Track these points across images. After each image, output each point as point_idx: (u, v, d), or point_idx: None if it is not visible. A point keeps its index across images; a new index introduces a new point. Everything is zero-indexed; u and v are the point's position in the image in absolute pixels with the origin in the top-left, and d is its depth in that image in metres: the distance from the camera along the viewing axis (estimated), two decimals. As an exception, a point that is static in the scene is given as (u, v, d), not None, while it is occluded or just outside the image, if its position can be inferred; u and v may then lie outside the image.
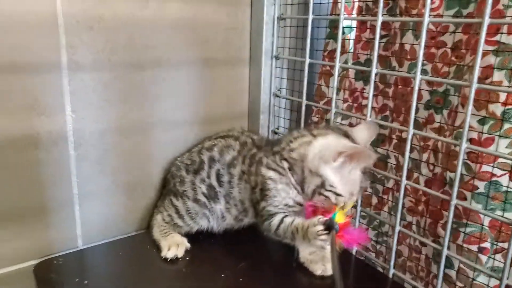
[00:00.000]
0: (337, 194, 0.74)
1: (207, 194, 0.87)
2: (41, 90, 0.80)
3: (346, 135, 0.78)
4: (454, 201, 0.68)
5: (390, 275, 0.81)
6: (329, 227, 0.69)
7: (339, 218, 0.72)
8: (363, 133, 0.80)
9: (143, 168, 0.95)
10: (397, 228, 0.78)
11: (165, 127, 0.95)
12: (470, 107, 0.64)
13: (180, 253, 0.84)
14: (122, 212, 0.95)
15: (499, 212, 0.77)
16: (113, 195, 0.92)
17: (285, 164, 0.79)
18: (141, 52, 0.89)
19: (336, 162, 0.73)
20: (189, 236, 0.89)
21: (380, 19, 0.75)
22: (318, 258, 0.80)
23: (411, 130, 0.73)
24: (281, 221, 0.79)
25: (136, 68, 0.89)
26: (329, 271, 0.78)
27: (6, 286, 0.83)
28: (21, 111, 0.78)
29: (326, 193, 0.74)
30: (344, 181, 0.74)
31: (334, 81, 0.85)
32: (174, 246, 0.84)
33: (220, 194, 0.87)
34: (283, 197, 0.79)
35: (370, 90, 0.79)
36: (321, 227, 0.70)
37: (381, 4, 0.74)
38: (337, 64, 0.83)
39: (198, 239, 0.89)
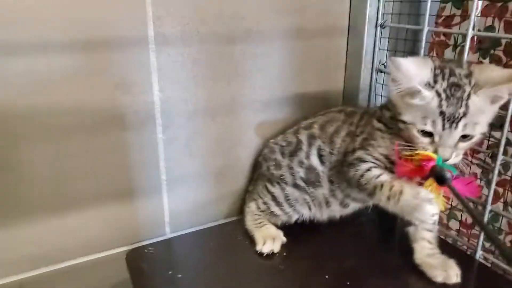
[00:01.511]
0: (403, 122, 0.63)
1: (306, 179, 0.79)
2: (127, 67, 0.73)
3: (452, 62, 0.64)
4: None
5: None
6: (440, 177, 0.57)
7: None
8: (498, 72, 0.61)
9: (232, 152, 0.88)
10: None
11: (254, 107, 0.87)
12: None
13: (276, 247, 0.76)
14: (210, 199, 0.89)
15: None
16: (201, 181, 0.87)
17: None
18: (231, 23, 0.79)
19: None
20: (285, 227, 0.81)
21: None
22: (438, 263, 0.69)
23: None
24: (369, 169, 0.68)
25: (226, 41, 0.80)
26: (452, 278, 0.67)
27: (95, 272, 0.81)
28: (107, 90, 0.73)
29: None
30: (411, 106, 0.62)
31: (465, 52, 0.70)
32: (269, 240, 0.77)
33: (322, 176, 0.78)
34: (384, 148, 0.68)
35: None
36: (433, 209, 0.58)
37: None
38: (470, 31, 0.68)
39: (296, 231, 0.81)
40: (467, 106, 0.58)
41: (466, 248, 0.83)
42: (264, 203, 0.82)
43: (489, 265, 0.77)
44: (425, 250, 0.72)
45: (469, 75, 0.60)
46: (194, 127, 0.82)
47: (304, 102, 0.91)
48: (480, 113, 0.59)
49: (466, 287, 0.69)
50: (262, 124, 0.89)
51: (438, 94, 0.59)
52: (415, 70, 0.60)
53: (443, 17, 0.88)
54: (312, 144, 0.79)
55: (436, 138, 0.60)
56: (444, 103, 0.58)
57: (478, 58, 0.87)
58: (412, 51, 0.89)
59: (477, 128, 0.60)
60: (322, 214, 0.82)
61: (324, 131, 0.79)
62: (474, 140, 0.61)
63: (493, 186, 0.72)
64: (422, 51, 0.77)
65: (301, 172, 0.79)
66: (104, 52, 0.71)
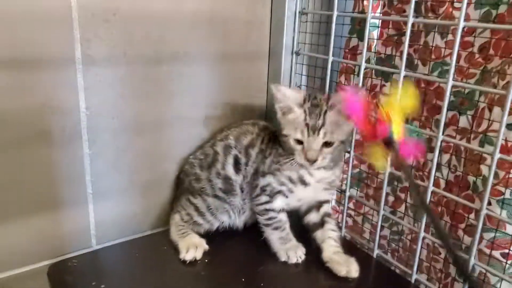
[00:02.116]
0: (284, 136, 0.79)
1: (224, 189, 0.87)
2: (54, 86, 0.76)
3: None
4: (484, 211, 0.67)
5: (413, 280, 0.80)
6: (388, 142, 0.62)
7: (396, 129, 0.62)
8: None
9: (158, 166, 0.93)
10: (421, 234, 0.77)
11: (181, 124, 0.93)
12: (505, 117, 0.62)
13: (198, 255, 0.82)
14: (137, 211, 0.93)
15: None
16: (128, 194, 0.90)
17: None
18: (158, 46, 0.85)
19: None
20: (208, 235, 0.88)
21: (410, 20, 0.72)
22: (342, 260, 0.80)
23: (440, 136, 0.71)
24: (270, 201, 0.84)
25: (153, 63, 0.86)
26: (353, 273, 0.78)
27: (18, 287, 0.81)
28: (34, 107, 0.75)
29: None
30: (288, 122, 0.79)
31: (360, 81, 0.82)
32: (192, 248, 0.83)
33: (235, 185, 0.87)
34: (288, 171, 0.83)
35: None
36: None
37: (412, 5, 0.71)
38: (363, 64, 0.80)
39: (217, 239, 0.88)
40: (324, 119, 0.75)
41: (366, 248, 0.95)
42: (187, 214, 0.88)
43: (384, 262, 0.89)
44: (331, 248, 0.83)
45: (327, 98, 0.78)
46: (121, 143, 0.86)
47: (230, 119, 0.99)
48: (336, 125, 0.76)
49: (364, 280, 0.80)
50: (189, 140, 0.95)
51: (304, 111, 0.76)
52: (290, 93, 0.79)
53: (349, 48, 1.01)
54: (227, 154, 0.87)
55: (305, 144, 0.77)
56: (307, 117, 0.76)
57: (381, 81, 1.00)
58: (323, 77, 1.00)
59: (335, 136, 0.76)
60: (239, 221, 0.90)
61: (239, 142, 0.87)
62: (335, 146, 0.77)
63: (383, 195, 0.84)
64: (328, 78, 0.88)
65: (219, 183, 0.87)
66: (32, 70, 0.74)
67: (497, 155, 0.64)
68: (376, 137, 0.63)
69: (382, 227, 1.05)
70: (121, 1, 0.79)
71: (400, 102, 0.64)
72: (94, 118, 0.82)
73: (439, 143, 0.72)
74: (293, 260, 0.83)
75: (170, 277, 0.79)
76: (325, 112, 0.76)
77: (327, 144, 0.76)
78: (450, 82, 0.68)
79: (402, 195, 1.01)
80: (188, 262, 0.81)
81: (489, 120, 0.79)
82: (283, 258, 0.83)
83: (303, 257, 0.84)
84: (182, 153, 0.95)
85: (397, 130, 0.62)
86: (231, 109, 0.99)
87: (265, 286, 0.77)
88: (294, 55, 0.97)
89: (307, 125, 0.76)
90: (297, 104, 0.77)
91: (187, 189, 0.90)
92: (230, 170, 0.87)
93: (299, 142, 0.77)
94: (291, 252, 0.83)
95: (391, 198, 1.04)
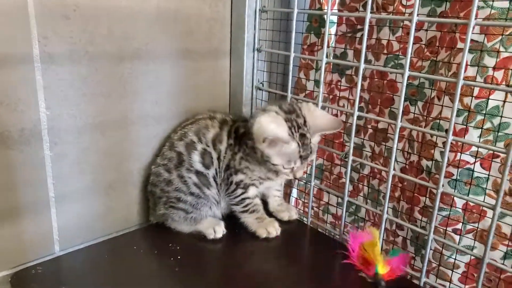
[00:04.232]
0: (273, 164, 0.83)
1: (199, 183, 0.87)
2: (12, 85, 0.73)
3: (291, 111, 0.83)
4: (441, 189, 0.73)
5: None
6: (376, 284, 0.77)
7: (381, 268, 0.78)
8: (323, 120, 0.84)
9: (123, 166, 0.91)
10: (385, 216, 0.83)
11: (145, 123, 0.92)
12: (456, 103, 0.69)
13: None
14: (102, 213, 0.90)
15: (471, 196, 0.84)
16: (92, 195, 0.88)
17: None
18: (121, 43, 0.84)
19: (264, 143, 0.80)
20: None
21: (368, 16, 0.77)
22: (284, 208, 0.99)
23: (399, 123, 0.77)
24: (245, 192, 0.91)
25: (116, 60, 0.84)
26: (294, 216, 0.98)
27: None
28: (-11, 108, 0.71)
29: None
30: (279, 154, 0.82)
31: (321, 75, 0.86)
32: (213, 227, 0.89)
33: (210, 177, 0.88)
34: (258, 169, 0.89)
35: (358, 85, 0.81)
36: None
37: (369, 2, 0.76)
38: (324, 59, 0.84)
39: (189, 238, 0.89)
40: (311, 147, 0.83)
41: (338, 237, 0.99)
42: (180, 216, 0.90)
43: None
44: (276, 202, 1.01)
45: (305, 122, 0.82)
46: (84, 143, 0.83)
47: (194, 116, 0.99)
48: (315, 146, 0.85)
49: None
50: (154, 137, 0.94)
51: (298, 145, 0.81)
52: (278, 130, 0.79)
53: (307, 45, 1.05)
54: (192, 151, 0.87)
55: (295, 169, 0.84)
56: (301, 149, 0.81)
57: (339, 77, 1.05)
58: (284, 72, 1.04)
59: (314, 155, 0.87)
60: (218, 213, 0.93)
61: (204, 137, 0.88)
62: (313, 157, 0.88)
63: (347, 182, 0.89)
64: (290, 73, 0.92)
65: (193, 178, 0.87)
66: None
67: (450, 138, 0.70)
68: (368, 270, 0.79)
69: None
70: (81, -3, 0.77)
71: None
72: (55, 118, 0.79)
73: (397, 130, 0.77)
74: (273, 234, 0.90)
75: (143, 277, 0.78)
76: (310, 140, 0.82)
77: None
78: (407, 73, 0.73)
79: (360, 185, 1.07)
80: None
81: (442, 106, 0.85)
82: (263, 235, 0.89)
83: (279, 229, 0.91)
84: (147, 151, 0.94)
85: (381, 266, 0.78)
86: (195, 106, 0.99)
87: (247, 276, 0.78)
88: (255, 52, 0.99)
89: (301, 156, 0.82)
90: (288, 138, 0.80)
91: (161, 197, 0.90)
92: (198, 166, 0.87)
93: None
94: (270, 227, 0.90)
95: (350, 187, 1.10)
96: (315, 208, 1.17)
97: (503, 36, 0.76)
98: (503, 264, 0.82)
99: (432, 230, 0.75)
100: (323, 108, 0.96)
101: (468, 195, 0.83)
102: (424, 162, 0.90)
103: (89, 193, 0.87)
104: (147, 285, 0.76)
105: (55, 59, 0.76)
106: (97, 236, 0.90)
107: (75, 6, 0.76)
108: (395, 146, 0.78)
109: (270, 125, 0.80)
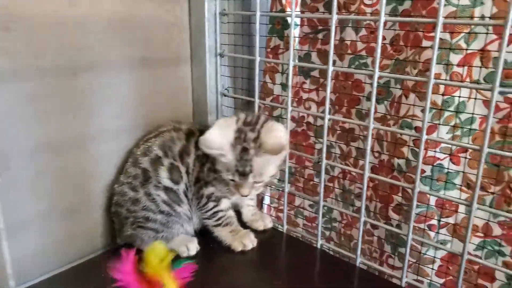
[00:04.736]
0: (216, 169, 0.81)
1: (168, 200, 0.82)
2: None
3: (250, 124, 0.80)
4: (418, 189, 0.73)
5: (358, 264, 0.84)
6: None
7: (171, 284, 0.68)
8: (269, 142, 0.77)
9: (84, 186, 0.84)
10: (362, 218, 0.82)
11: (105, 138, 0.85)
12: (429, 101, 0.68)
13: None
14: (63, 239, 0.82)
15: (442, 192, 0.85)
16: (50, 222, 0.80)
17: None
18: (74, 56, 0.77)
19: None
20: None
21: (334, 17, 0.75)
22: (259, 218, 0.95)
23: (372, 125, 0.76)
24: (216, 205, 0.87)
25: (70, 74, 0.77)
26: (269, 225, 0.95)
27: None
28: None
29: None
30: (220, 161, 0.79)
31: (289, 79, 0.84)
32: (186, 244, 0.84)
33: (180, 193, 0.84)
34: (225, 173, 0.82)
35: (328, 88, 0.79)
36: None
37: (335, 3, 0.75)
38: (291, 62, 0.82)
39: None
40: (251, 166, 0.77)
41: (309, 241, 0.98)
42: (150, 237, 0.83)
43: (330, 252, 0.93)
44: (250, 212, 0.97)
45: (256, 138, 0.78)
46: (37, 166, 0.76)
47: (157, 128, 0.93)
48: (264, 166, 0.79)
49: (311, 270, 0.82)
50: (116, 153, 0.87)
51: (235, 158, 0.77)
52: (220, 141, 0.77)
53: (270, 48, 1.02)
54: (158, 167, 0.82)
55: (238, 183, 0.79)
56: (238, 163, 0.77)
57: (304, 78, 1.04)
58: (249, 77, 1.00)
59: (264, 176, 0.80)
60: (190, 229, 0.88)
61: (171, 150, 0.83)
62: (266, 181, 0.82)
63: (322, 185, 0.88)
64: (256, 78, 0.89)
65: (161, 195, 0.82)
66: None
67: (425, 137, 0.70)
68: None
69: (315, 217, 1.10)
70: (23, 7, 0.69)
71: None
72: (4, 142, 0.71)
73: (370, 132, 0.76)
74: (249, 246, 0.86)
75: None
76: (252, 158, 0.77)
77: (258, 181, 0.80)
78: (377, 73, 0.73)
79: (331, 184, 1.06)
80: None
81: (413, 105, 0.86)
82: (239, 247, 0.85)
83: (256, 241, 0.87)
84: (108, 169, 0.87)
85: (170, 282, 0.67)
86: (157, 117, 0.93)
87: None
88: (218, 57, 0.95)
89: (237, 171, 0.78)
90: (228, 148, 0.77)
91: (128, 218, 0.83)
92: (167, 182, 0.82)
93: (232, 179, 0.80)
94: (246, 239, 0.86)
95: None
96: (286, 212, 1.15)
97: (466, 33, 0.77)
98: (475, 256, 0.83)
99: (411, 229, 0.75)
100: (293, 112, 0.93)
101: (444, 192, 0.84)
102: (395, 161, 0.91)
103: (46, 220, 0.79)
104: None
105: (0, 76, 0.69)
106: (58, 266, 0.82)
107: (17, 17, 0.69)
108: (368, 147, 0.77)
109: (212, 135, 0.77)
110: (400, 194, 0.91)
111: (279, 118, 1.06)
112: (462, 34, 0.78)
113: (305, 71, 1.04)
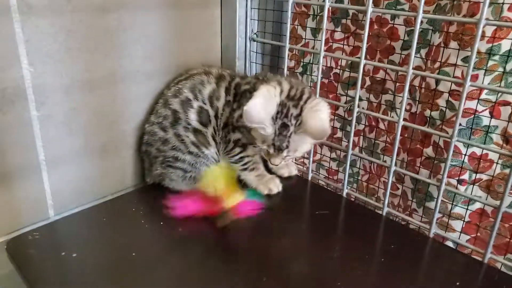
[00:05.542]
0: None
1: (197, 142, 0.84)
2: (-12, 39, 0.66)
3: (293, 98, 0.77)
4: (455, 138, 0.71)
5: (384, 213, 0.84)
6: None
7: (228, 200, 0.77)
8: (311, 124, 0.74)
9: (115, 126, 0.86)
10: (393, 168, 0.81)
11: (135, 79, 0.86)
12: (477, 45, 0.64)
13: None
14: (96, 175, 0.86)
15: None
16: (84, 158, 0.83)
17: None
18: (105, -8, 0.77)
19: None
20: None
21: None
22: (284, 166, 0.95)
23: (410, 71, 0.73)
24: (242, 151, 0.87)
25: (101, 11, 0.77)
26: (293, 172, 0.97)
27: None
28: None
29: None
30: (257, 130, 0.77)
31: (324, 20, 0.81)
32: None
33: (208, 135, 0.85)
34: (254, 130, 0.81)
35: (365, 30, 0.76)
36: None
37: None
38: (327, 2, 0.79)
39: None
40: (288, 142, 0.76)
41: (334, 189, 0.98)
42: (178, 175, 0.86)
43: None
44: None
45: (298, 115, 0.75)
46: (72, 103, 0.78)
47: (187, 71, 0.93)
48: (301, 144, 0.78)
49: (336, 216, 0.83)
50: (146, 95, 0.89)
51: (275, 132, 0.75)
52: (262, 115, 0.74)
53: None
54: (188, 109, 0.83)
55: (270, 153, 0.78)
56: (276, 138, 0.76)
57: (333, 26, 1.00)
58: (279, 21, 0.97)
59: (297, 153, 0.79)
60: None
61: (200, 93, 0.83)
62: (298, 155, 0.81)
63: (352, 132, 0.87)
64: (289, 21, 0.86)
65: (190, 136, 0.83)
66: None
67: (468, 83, 0.67)
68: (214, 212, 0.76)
69: (337, 170, 1.10)
70: None
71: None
72: (40, 76, 0.73)
73: (409, 78, 0.74)
74: (274, 190, 0.88)
75: (145, 239, 0.75)
76: (291, 135, 0.75)
77: (290, 156, 0.80)
78: (420, 15, 0.69)
79: (356, 139, 1.05)
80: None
81: (457, 49, 0.81)
82: (265, 191, 0.87)
83: (281, 186, 0.89)
84: (140, 110, 0.89)
85: (229, 201, 0.76)
86: (186, 60, 0.93)
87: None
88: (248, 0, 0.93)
89: (273, 144, 0.76)
90: (269, 121, 0.75)
91: (158, 157, 0.85)
92: (196, 124, 0.83)
93: None
94: (271, 184, 0.88)
95: (344, 143, 1.07)
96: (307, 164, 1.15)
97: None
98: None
99: (445, 178, 0.73)
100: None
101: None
102: (427, 112, 0.88)
103: (81, 155, 0.83)
104: (150, 246, 0.74)
105: (34, 10, 0.69)
106: (92, 200, 0.87)
107: (52, -51, 0.69)
108: (405, 95, 0.75)
109: (255, 107, 0.73)
110: (432, 147, 0.89)
111: (307, 66, 1.03)
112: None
113: (336, 19, 1.00)
